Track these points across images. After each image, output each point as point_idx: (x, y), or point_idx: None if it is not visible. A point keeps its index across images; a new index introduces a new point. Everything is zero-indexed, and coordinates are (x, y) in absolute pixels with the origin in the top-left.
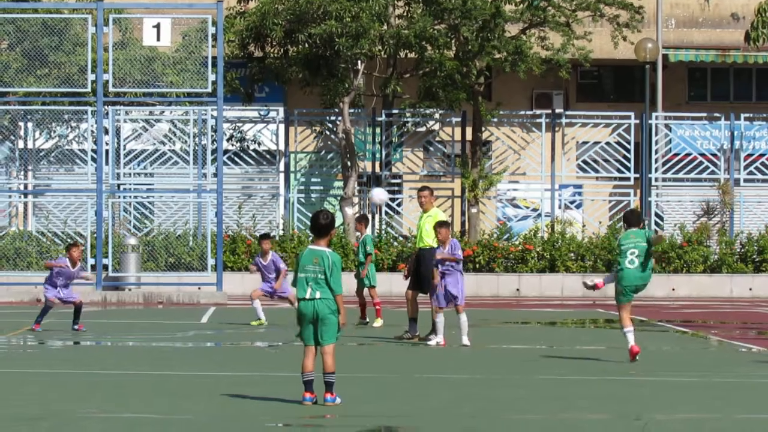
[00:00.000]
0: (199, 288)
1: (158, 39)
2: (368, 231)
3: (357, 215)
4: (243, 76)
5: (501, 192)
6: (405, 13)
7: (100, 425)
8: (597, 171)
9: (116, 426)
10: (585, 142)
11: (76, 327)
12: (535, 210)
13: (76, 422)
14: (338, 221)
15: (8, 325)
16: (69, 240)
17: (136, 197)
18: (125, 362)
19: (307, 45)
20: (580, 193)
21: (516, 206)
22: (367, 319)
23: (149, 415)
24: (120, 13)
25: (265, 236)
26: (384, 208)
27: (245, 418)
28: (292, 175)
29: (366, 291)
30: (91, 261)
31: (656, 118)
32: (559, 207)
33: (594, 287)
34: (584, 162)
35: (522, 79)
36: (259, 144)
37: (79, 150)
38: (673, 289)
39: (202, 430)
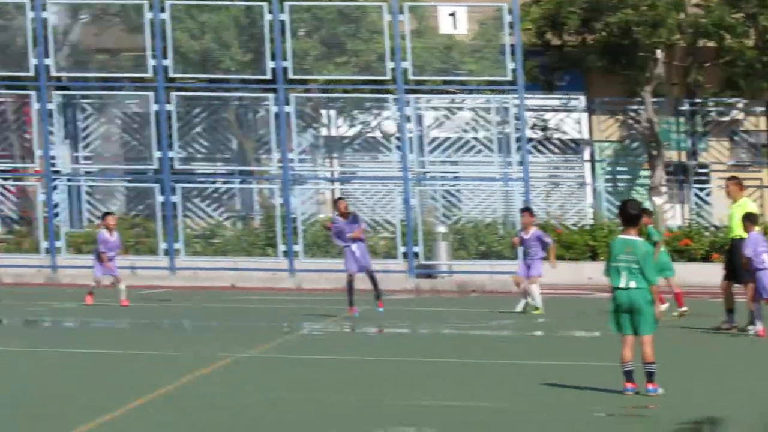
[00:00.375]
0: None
1: (455, 27)
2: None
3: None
4: (542, 65)
5: None
6: (702, 2)
7: (412, 413)
8: None
9: (435, 413)
10: None
11: (378, 307)
12: None
13: (400, 411)
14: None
15: (327, 312)
16: (378, 227)
17: (442, 185)
18: (442, 350)
19: (604, 33)
20: None
21: None
22: (685, 307)
23: (465, 403)
24: (415, 1)
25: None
26: (693, 199)
27: (568, 407)
28: (597, 164)
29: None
30: (402, 249)
31: None
32: None
33: None
34: None
35: None
36: (563, 133)
37: (383, 138)
38: None
39: (524, 419)
